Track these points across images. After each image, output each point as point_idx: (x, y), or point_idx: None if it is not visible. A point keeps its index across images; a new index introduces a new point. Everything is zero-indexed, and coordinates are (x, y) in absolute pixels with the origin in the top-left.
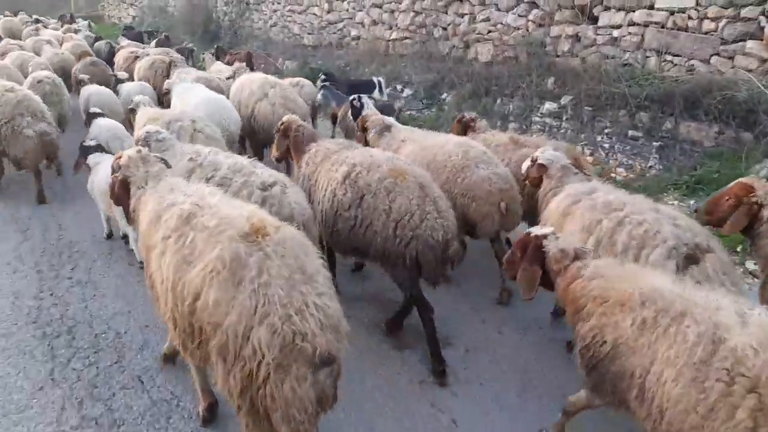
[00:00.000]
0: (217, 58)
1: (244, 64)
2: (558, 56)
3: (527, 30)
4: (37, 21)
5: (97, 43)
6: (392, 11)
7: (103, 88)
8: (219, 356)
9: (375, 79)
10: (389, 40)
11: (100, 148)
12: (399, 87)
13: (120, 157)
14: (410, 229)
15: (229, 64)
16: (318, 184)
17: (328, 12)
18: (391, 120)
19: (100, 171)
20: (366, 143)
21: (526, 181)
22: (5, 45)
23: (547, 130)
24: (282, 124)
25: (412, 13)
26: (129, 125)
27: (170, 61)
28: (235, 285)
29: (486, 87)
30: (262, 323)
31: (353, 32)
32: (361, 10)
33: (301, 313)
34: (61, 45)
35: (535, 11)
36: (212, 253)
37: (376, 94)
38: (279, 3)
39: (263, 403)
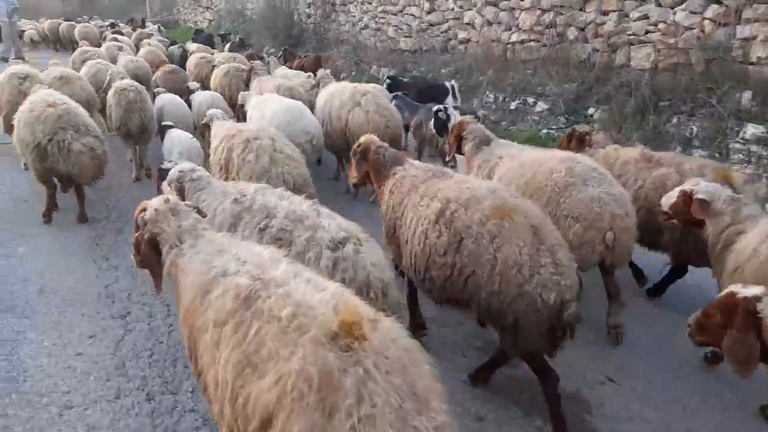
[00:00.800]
0: (285, 62)
1: (329, 71)
2: (751, 64)
3: (702, 30)
4: (113, 25)
5: (170, 48)
6: (511, 9)
7: (177, 98)
8: None
9: (447, 84)
10: (508, 43)
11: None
12: (530, 100)
13: (144, 210)
14: (516, 285)
15: (298, 68)
16: (405, 219)
17: (429, 12)
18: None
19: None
20: (453, 154)
21: (670, 218)
22: (82, 53)
23: (755, 161)
24: (359, 145)
25: (537, 12)
26: (202, 138)
27: (250, 69)
28: (325, 417)
29: (652, 101)
30: None
31: (461, 34)
32: (470, 9)
33: None
34: (137, 51)
35: (714, 7)
36: (290, 362)
37: (449, 100)
38: (370, 3)
39: None
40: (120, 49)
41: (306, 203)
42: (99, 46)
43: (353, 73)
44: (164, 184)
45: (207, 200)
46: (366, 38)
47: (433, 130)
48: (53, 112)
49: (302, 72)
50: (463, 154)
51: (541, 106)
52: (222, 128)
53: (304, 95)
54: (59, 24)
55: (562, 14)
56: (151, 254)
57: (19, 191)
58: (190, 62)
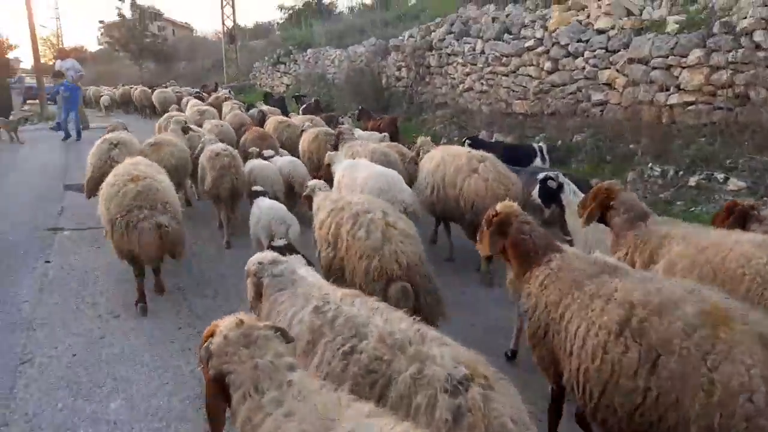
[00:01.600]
0: (359, 120)
1: (429, 138)
2: None
3: None
4: (198, 93)
5: (249, 111)
6: (668, 67)
7: (266, 163)
8: None
9: (536, 146)
10: (665, 106)
11: (290, 250)
12: (719, 176)
13: (211, 335)
14: (744, 418)
15: (374, 129)
16: (568, 325)
17: (552, 72)
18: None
19: None
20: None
21: None
22: (168, 117)
23: None
24: (496, 214)
25: (706, 69)
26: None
27: (338, 133)
28: None
29: None
30: None
31: (596, 96)
32: (608, 68)
33: None
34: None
35: None
36: None
37: (537, 162)
38: (474, 65)
39: None
40: (201, 113)
41: (405, 320)
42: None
43: (455, 138)
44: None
45: (285, 304)
46: (469, 101)
47: (538, 200)
48: (132, 189)
49: (376, 133)
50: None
51: (736, 183)
52: (327, 200)
53: (398, 161)
54: (131, 89)
55: (741, 72)
56: (216, 401)
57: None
58: (269, 125)
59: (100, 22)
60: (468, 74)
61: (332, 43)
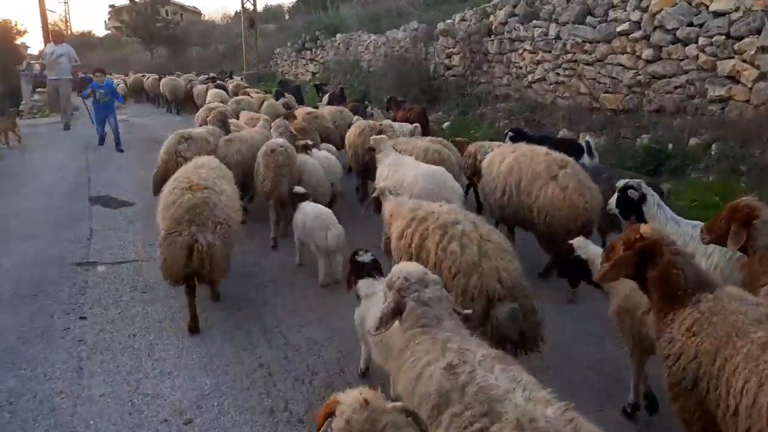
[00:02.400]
0: (388, 111)
1: (484, 143)
2: None
3: None
4: (214, 79)
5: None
6: None
7: (313, 161)
8: None
9: (582, 140)
10: None
11: (374, 267)
12: None
13: (331, 412)
14: None
15: (403, 120)
16: (730, 379)
17: (653, 61)
18: None
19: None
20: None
21: None
22: (209, 109)
23: None
24: (640, 238)
25: None
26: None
27: (379, 129)
28: None
29: None
30: None
31: (715, 91)
32: (731, 58)
33: None
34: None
35: None
36: None
37: (585, 159)
38: (548, 51)
39: None
40: (238, 103)
41: (553, 404)
42: (184, 100)
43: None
44: (360, 284)
45: (421, 347)
46: (540, 93)
47: (615, 211)
48: (189, 199)
49: (406, 124)
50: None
51: None
52: (404, 206)
53: (453, 160)
54: (143, 77)
55: None
56: None
57: None
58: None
59: (110, 6)
60: (539, 63)
61: (365, 28)
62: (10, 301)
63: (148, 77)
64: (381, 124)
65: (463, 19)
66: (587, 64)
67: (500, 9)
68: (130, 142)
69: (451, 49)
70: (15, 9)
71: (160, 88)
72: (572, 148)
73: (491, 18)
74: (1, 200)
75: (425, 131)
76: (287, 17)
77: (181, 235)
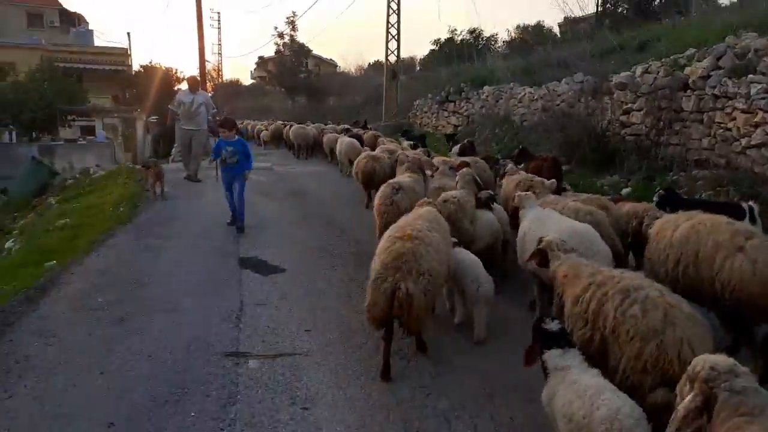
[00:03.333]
0: (517, 164)
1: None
2: None
3: None
4: (347, 130)
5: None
6: None
7: (488, 214)
8: None
9: (745, 205)
10: None
11: (563, 337)
12: None
13: None
14: None
15: (534, 172)
16: None
17: None
18: None
19: (568, 390)
20: None
21: None
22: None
23: None
24: None
25: None
26: None
27: (528, 186)
28: None
29: None
30: None
31: None
32: None
33: None
34: None
35: None
36: None
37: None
38: (760, 109)
39: None
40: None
41: None
42: (312, 148)
43: None
44: (548, 356)
45: None
46: (759, 161)
47: None
48: (398, 248)
49: (536, 177)
50: None
51: None
52: (584, 269)
53: (608, 222)
54: (283, 125)
55: None
56: None
57: None
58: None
59: (260, 57)
60: (757, 125)
61: (518, 80)
62: (147, 407)
63: (289, 125)
64: (532, 182)
65: (647, 72)
66: None
67: (699, 61)
68: (276, 194)
69: (630, 105)
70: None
71: (290, 135)
72: (734, 213)
73: (686, 71)
74: (142, 256)
75: (558, 186)
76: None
77: (386, 281)
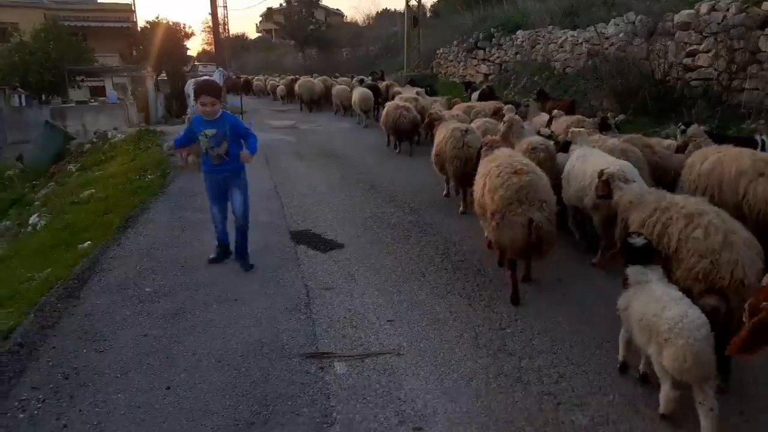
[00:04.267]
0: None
1: (702, 128)
2: None
3: None
4: (361, 81)
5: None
6: None
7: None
8: None
9: (758, 137)
10: None
11: (648, 255)
12: None
13: None
14: None
15: (549, 111)
16: None
17: None
18: None
19: (644, 297)
20: None
21: None
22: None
23: None
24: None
25: None
26: None
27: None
28: None
29: None
30: None
31: None
32: None
33: None
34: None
35: None
36: None
37: None
38: None
39: None
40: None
41: None
42: (318, 102)
43: None
44: (630, 270)
45: None
46: None
47: None
48: (517, 182)
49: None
50: None
51: None
52: (647, 197)
53: (641, 157)
54: (291, 80)
55: None
56: None
57: None
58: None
59: (268, 8)
60: None
61: (558, 23)
62: None
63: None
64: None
65: (714, 9)
66: None
67: None
68: (307, 155)
69: (695, 46)
70: (179, 13)
71: (296, 89)
72: (748, 145)
73: (764, 6)
74: (184, 234)
75: None
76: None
77: (516, 214)
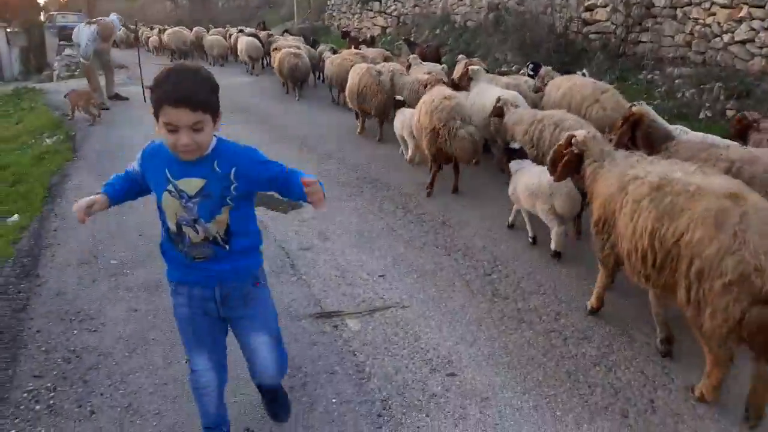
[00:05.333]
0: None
1: (550, 68)
2: None
3: None
4: (241, 31)
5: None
6: None
7: None
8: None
9: (580, 72)
10: None
11: (521, 153)
12: None
13: None
14: None
15: (420, 57)
16: None
17: None
18: None
19: (522, 177)
20: None
21: None
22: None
23: None
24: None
25: None
26: None
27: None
28: (717, 228)
29: None
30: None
31: None
32: None
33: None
34: None
35: None
36: (699, 206)
37: None
38: (760, 6)
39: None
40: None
41: None
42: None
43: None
44: (511, 164)
45: None
46: (743, 58)
47: None
48: (448, 104)
49: (437, 65)
50: None
51: None
52: (528, 113)
53: (525, 89)
54: (159, 30)
55: None
56: None
57: None
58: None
59: None
60: (741, 20)
61: None
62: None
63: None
64: (471, 68)
65: None
66: None
67: None
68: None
69: (593, 1)
70: None
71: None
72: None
73: None
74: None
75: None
76: None
77: (450, 127)
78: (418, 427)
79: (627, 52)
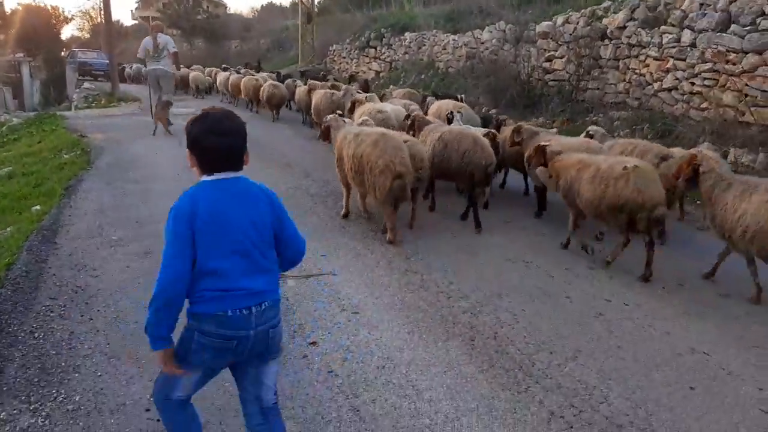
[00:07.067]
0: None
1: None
2: None
3: None
4: (225, 69)
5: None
6: None
7: None
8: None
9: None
10: None
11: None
12: None
13: None
14: None
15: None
16: None
17: None
18: None
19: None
20: None
21: None
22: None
23: None
24: None
25: None
26: None
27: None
28: None
29: None
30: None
31: None
32: None
33: None
34: None
35: None
36: None
37: None
38: (682, 59)
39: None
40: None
41: None
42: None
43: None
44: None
45: None
46: (670, 103)
47: None
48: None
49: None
50: None
51: None
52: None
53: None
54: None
55: None
56: None
57: None
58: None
59: None
60: (668, 71)
61: (440, 27)
62: None
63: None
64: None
65: (567, 21)
66: (733, 75)
67: (615, 12)
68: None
69: (552, 52)
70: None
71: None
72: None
73: (604, 21)
74: (126, 200)
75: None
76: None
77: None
78: (321, 338)
79: (578, 97)
